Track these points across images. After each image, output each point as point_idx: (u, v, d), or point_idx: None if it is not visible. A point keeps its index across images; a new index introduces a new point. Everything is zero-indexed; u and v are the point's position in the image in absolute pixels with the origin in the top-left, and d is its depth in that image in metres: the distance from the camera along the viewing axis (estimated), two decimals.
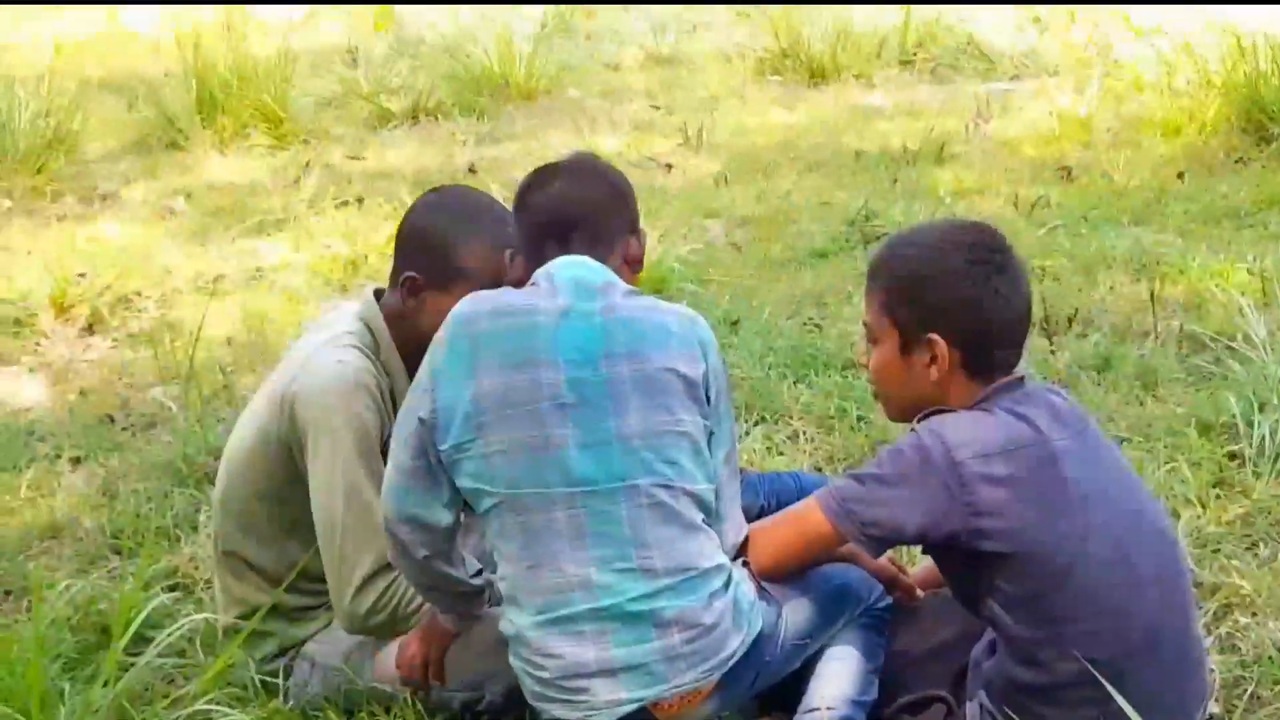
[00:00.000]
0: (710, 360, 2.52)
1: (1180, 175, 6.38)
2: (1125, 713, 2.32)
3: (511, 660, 2.52)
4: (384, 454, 2.73)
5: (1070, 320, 4.69)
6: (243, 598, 2.90)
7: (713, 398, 2.52)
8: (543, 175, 2.68)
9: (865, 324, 2.64)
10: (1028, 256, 5.27)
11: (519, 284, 2.62)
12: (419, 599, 2.75)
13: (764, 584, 2.58)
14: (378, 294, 2.92)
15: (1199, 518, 3.43)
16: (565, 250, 2.56)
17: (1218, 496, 3.54)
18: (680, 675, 2.44)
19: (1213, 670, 2.81)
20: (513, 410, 2.43)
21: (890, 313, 2.56)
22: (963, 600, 2.59)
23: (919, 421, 2.51)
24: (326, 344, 2.81)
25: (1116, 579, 2.39)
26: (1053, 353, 4.43)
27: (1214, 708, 2.74)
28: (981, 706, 2.50)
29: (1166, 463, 3.67)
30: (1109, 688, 2.20)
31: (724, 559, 2.51)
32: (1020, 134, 7.37)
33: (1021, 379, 2.54)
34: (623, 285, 2.55)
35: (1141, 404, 4.11)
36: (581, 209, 2.60)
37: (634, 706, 2.44)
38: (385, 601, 2.75)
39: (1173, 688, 2.43)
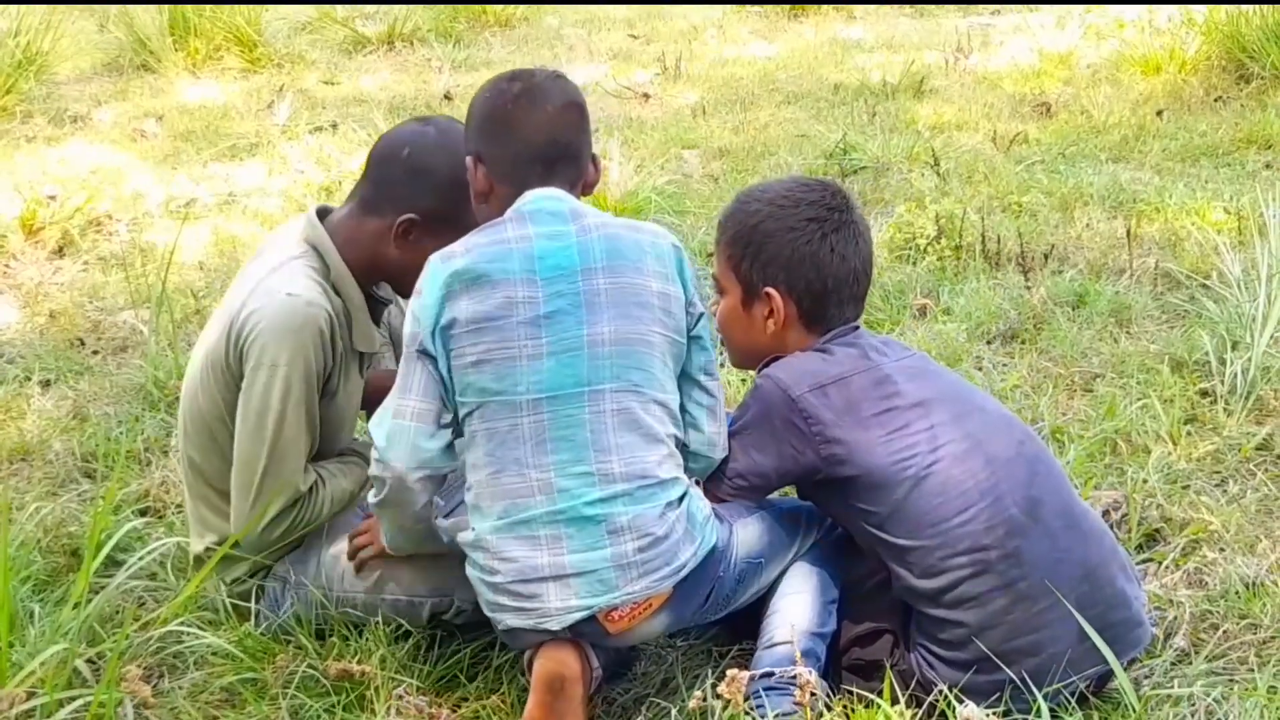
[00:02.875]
0: (685, 276, 2.57)
1: (1159, 113, 6.37)
2: (1033, 591, 2.45)
3: (468, 570, 2.53)
4: (323, 392, 2.76)
5: (1046, 257, 4.69)
6: (212, 523, 2.88)
7: (694, 312, 2.57)
8: (524, 95, 2.61)
9: (713, 276, 2.80)
10: (1005, 193, 5.33)
11: (481, 194, 2.63)
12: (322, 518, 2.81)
13: (714, 506, 2.62)
14: (321, 213, 2.88)
15: (1170, 454, 3.44)
16: (548, 180, 2.57)
17: (1189, 433, 3.56)
18: (631, 584, 2.46)
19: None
20: (487, 324, 2.46)
21: (734, 267, 2.72)
22: (847, 535, 2.69)
23: (759, 371, 2.67)
24: (276, 270, 2.77)
25: (975, 465, 2.51)
26: (1028, 288, 4.43)
27: (1181, 641, 2.77)
28: (921, 649, 2.56)
29: (1139, 399, 3.68)
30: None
31: (680, 473, 2.54)
32: (1000, 69, 7.34)
33: (856, 326, 2.71)
34: (589, 209, 2.57)
35: (1115, 341, 4.11)
36: (567, 140, 2.59)
37: (585, 614, 2.45)
38: (293, 530, 2.80)
39: (1072, 556, 2.52)
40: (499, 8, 8.62)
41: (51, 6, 7.57)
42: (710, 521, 2.55)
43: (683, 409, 2.60)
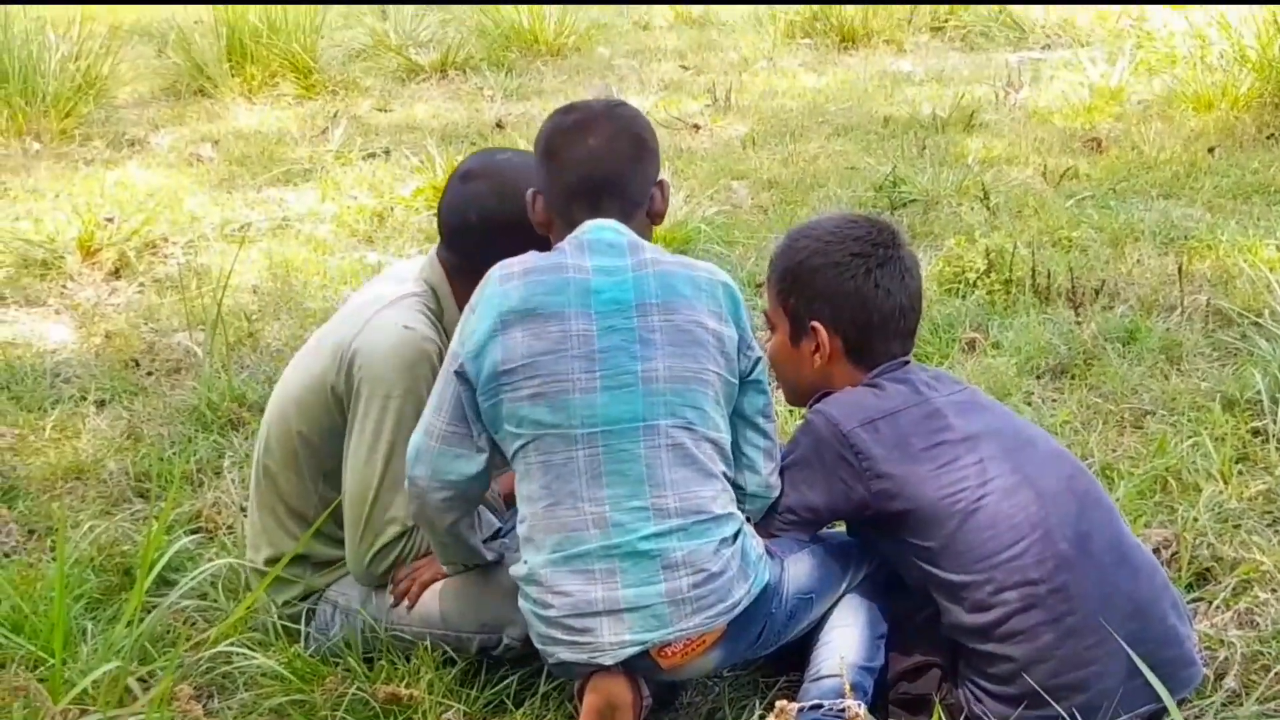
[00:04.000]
0: (740, 318, 2.58)
1: (1211, 150, 6.34)
2: (1082, 626, 2.44)
3: (520, 603, 2.54)
4: None
5: (1097, 292, 4.67)
6: (276, 543, 2.92)
7: (750, 355, 2.59)
8: (574, 127, 2.64)
9: (764, 312, 2.83)
10: (1055, 228, 5.32)
11: (542, 226, 2.66)
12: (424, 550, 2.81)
13: (766, 542, 2.62)
14: (440, 256, 2.92)
15: (1221, 493, 3.41)
16: (595, 212, 2.59)
17: (1240, 472, 3.52)
18: (685, 619, 2.46)
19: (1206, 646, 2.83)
20: (543, 358, 2.47)
21: (782, 302, 2.75)
22: (896, 570, 2.68)
23: (809, 406, 2.69)
24: (393, 303, 2.80)
25: (1024, 500, 2.51)
26: (1078, 324, 4.42)
27: (1232, 682, 2.74)
28: (969, 685, 2.56)
29: (1190, 437, 3.66)
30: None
31: (735, 509, 2.55)
32: (1051, 104, 7.32)
33: (906, 361, 2.72)
34: (649, 244, 2.59)
35: (1166, 378, 4.09)
36: (612, 171, 2.60)
37: (638, 649, 2.46)
38: (399, 561, 2.82)
39: (1122, 591, 2.51)
40: (552, 38, 8.68)
41: (111, 31, 7.71)
42: (764, 559, 2.56)
43: (739, 451, 2.62)
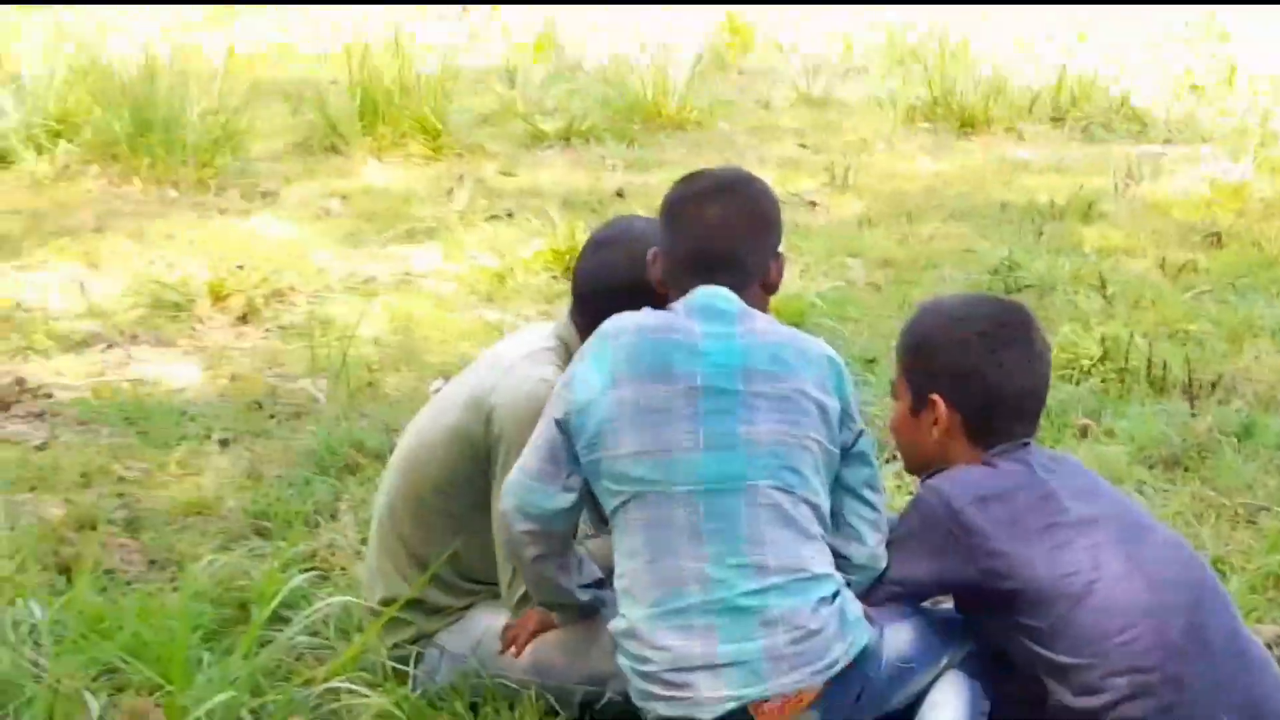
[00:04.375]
0: (844, 391, 2.62)
1: None
2: (1191, 715, 2.43)
3: (619, 658, 2.57)
4: None
5: (1213, 385, 4.64)
6: (392, 585, 2.98)
7: (853, 427, 2.62)
8: (696, 196, 2.70)
9: (891, 381, 2.86)
10: (1172, 320, 5.28)
11: (660, 285, 2.72)
12: None
13: (866, 609, 2.63)
14: (573, 317, 2.98)
15: None
16: (708, 282, 2.64)
17: None
18: (783, 676, 2.47)
19: None
20: (647, 416, 2.53)
21: (906, 372, 2.77)
22: (1002, 650, 2.66)
23: (922, 481, 2.71)
24: (528, 357, 2.88)
25: (1137, 587, 2.49)
26: (1194, 415, 4.39)
27: None
28: None
29: None
30: None
31: (833, 570, 2.57)
32: (1170, 197, 7.28)
33: (1026, 443, 2.70)
34: (759, 314, 2.64)
35: None
36: (727, 246, 2.65)
37: (736, 704, 2.47)
38: None
39: (1236, 684, 2.47)
40: (674, 112, 8.81)
41: (251, 88, 7.97)
42: (862, 622, 2.57)
43: (845, 522, 2.65)
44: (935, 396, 2.71)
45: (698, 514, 2.50)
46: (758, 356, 2.56)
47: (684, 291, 2.65)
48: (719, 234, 2.65)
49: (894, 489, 3.99)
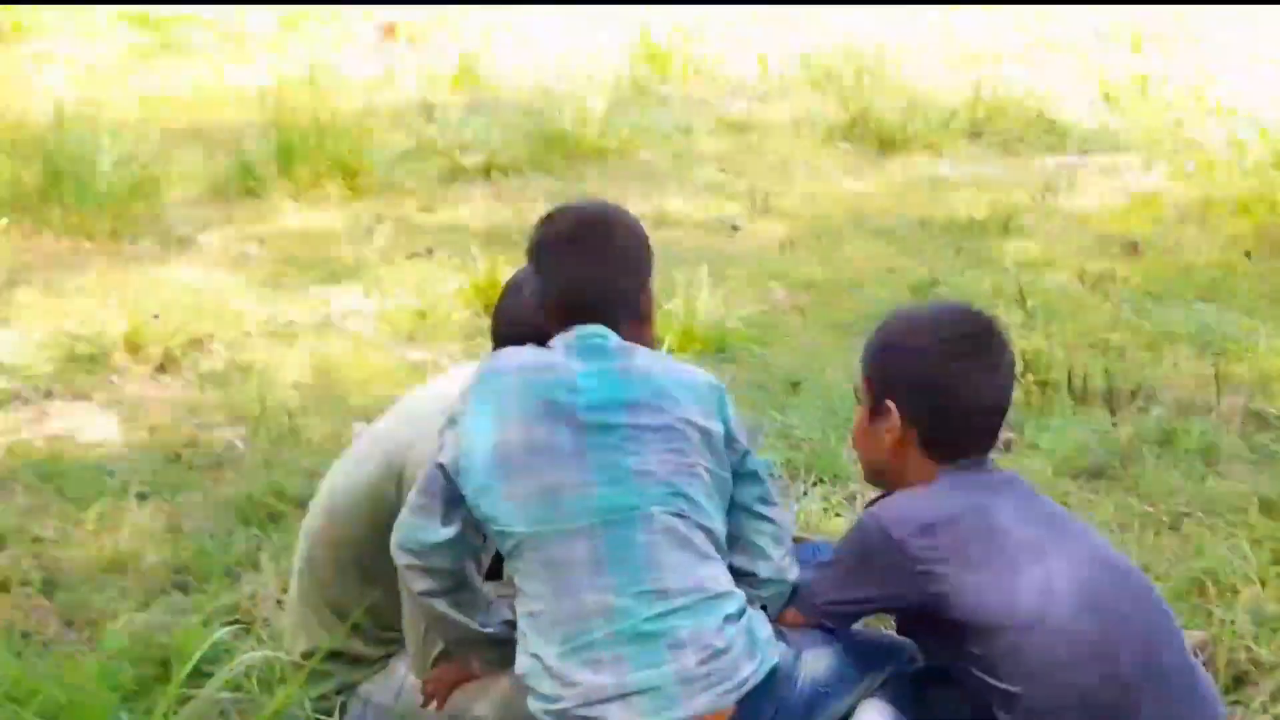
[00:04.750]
0: (725, 415, 2.63)
1: (1248, 254, 6.35)
2: None
3: (530, 703, 2.54)
4: None
5: (1133, 394, 4.68)
6: (313, 635, 2.95)
7: (738, 448, 2.64)
8: (556, 241, 2.69)
9: (855, 385, 2.82)
10: (1092, 330, 5.32)
11: (540, 326, 2.71)
12: None
13: (784, 630, 2.64)
14: None
15: (1259, 596, 3.39)
16: (581, 321, 2.64)
17: (1278, 576, 3.50)
18: (694, 698, 2.45)
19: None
20: (534, 457, 2.53)
21: (866, 379, 2.73)
22: (947, 673, 2.63)
23: (866, 508, 2.68)
24: (445, 414, 2.84)
25: (1090, 619, 2.44)
26: (1115, 425, 4.42)
27: None
28: None
29: (1227, 539, 3.65)
30: None
31: (735, 589, 2.56)
32: (1088, 208, 7.36)
33: (982, 461, 2.65)
34: (636, 348, 2.65)
35: (1203, 480, 4.08)
36: (593, 289, 2.65)
37: None
38: None
39: (1183, 717, 2.45)
40: (594, 141, 8.81)
41: (165, 135, 7.88)
42: (771, 641, 2.56)
43: (748, 540, 2.66)
44: (890, 403, 2.67)
45: (598, 547, 2.50)
46: (638, 390, 2.57)
47: (562, 329, 2.66)
48: (582, 279, 2.66)
49: (821, 510, 4.00)
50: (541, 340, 2.71)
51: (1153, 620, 2.53)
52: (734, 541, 2.65)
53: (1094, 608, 2.46)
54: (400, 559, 2.62)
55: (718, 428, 2.61)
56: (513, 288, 2.97)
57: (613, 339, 2.63)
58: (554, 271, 2.68)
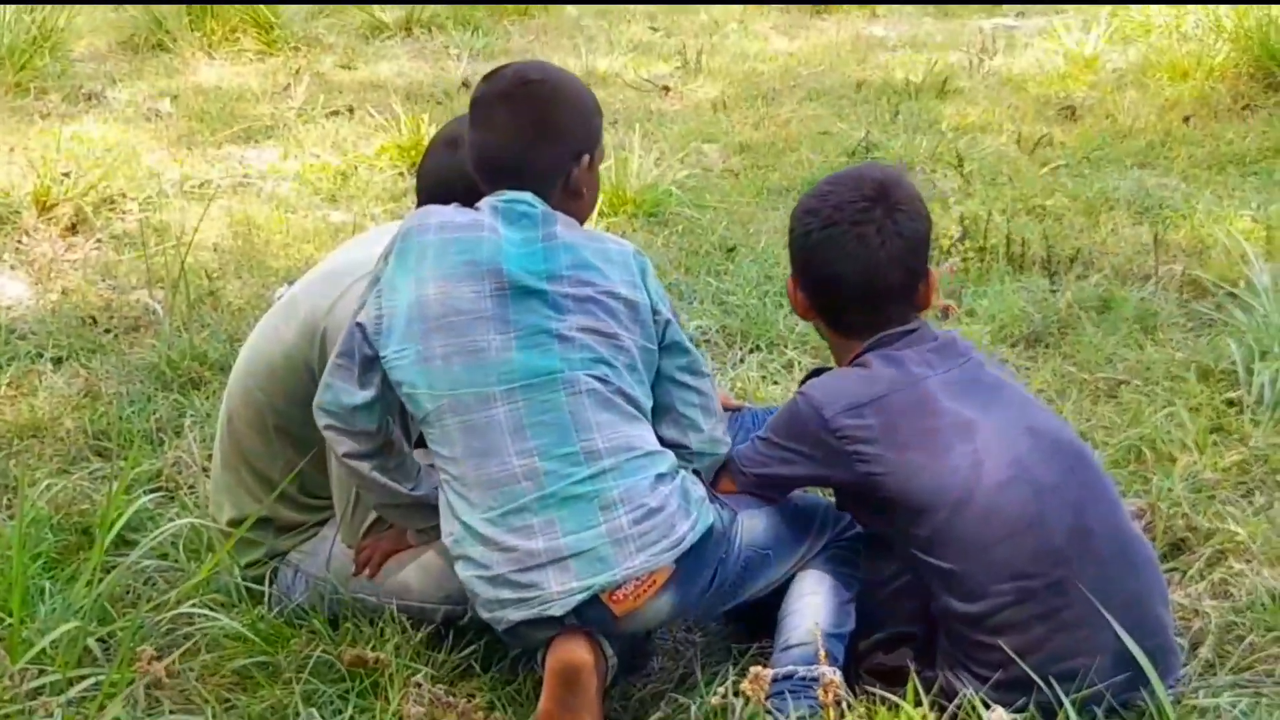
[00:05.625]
0: (650, 285, 2.57)
1: (1186, 119, 6.31)
2: (1075, 619, 2.39)
3: (460, 571, 2.49)
4: None
5: (1071, 260, 4.64)
6: (238, 503, 2.86)
7: (660, 319, 2.57)
8: (488, 99, 2.60)
9: None
10: (1030, 196, 5.28)
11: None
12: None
13: (719, 495, 2.60)
14: None
15: (1195, 463, 3.38)
16: (504, 185, 2.57)
17: (1215, 443, 3.50)
18: (630, 558, 2.42)
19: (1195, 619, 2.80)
20: (455, 318, 2.47)
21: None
22: (885, 548, 2.62)
23: (800, 384, 2.64)
24: (366, 277, 2.72)
25: (1022, 492, 2.42)
26: (1053, 292, 4.39)
27: (1206, 653, 2.72)
28: (952, 665, 2.50)
29: (1164, 407, 3.63)
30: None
31: (665, 450, 2.53)
32: (1025, 71, 7.29)
33: (913, 330, 2.57)
34: (562, 217, 2.56)
35: (1141, 347, 4.06)
36: (513, 151, 2.57)
37: (586, 594, 2.41)
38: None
39: (1117, 585, 2.44)
40: None
41: None
42: (705, 502, 2.53)
43: (677, 412, 2.60)
44: (791, 278, 2.66)
45: (519, 410, 2.45)
46: (561, 260, 2.51)
47: (491, 190, 2.58)
48: (504, 140, 2.57)
49: (760, 378, 3.94)
50: (469, 201, 2.62)
51: (1086, 486, 2.50)
52: (663, 414, 2.60)
53: (1024, 479, 2.44)
54: (321, 420, 2.56)
55: (643, 299, 2.55)
56: (438, 144, 2.85)
57: (540, 206, 2.55)
58: (486, 129, 2.59)
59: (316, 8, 8.58)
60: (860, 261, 2.54)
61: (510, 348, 2.46)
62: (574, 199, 2.63)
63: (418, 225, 2.55)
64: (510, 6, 8.58)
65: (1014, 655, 2.39)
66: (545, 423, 2.45)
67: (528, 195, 2.55)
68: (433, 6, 8.29)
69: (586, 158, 2.62)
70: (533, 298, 2.48)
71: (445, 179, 2.76)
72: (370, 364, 2.52)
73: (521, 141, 2.56)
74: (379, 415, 2.55)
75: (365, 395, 2.52)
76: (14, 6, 6.92)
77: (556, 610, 2.42)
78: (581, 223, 2.64)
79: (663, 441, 2.56)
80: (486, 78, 2.65)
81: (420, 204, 2.81)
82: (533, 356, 2.46)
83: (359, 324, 2.52)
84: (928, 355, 2.54)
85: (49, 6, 7.14)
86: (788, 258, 2.71)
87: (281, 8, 7.86)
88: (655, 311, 2.56)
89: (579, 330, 2.47)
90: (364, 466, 2.57)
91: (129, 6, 7.89)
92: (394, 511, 2.69)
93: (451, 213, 2.56)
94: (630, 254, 2.58)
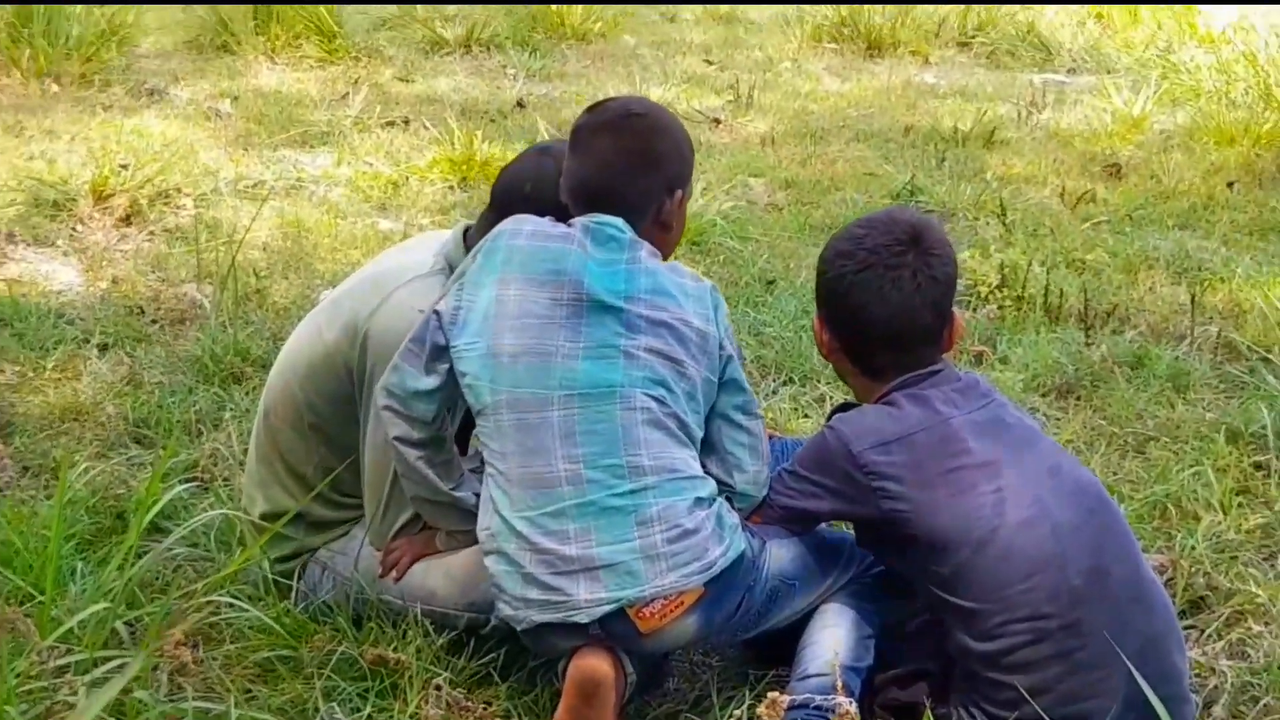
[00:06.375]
0: (721, 322, 2.63)
1: (1230, 184, 6.32)
2: (1089, 661, 2.41)
3: (492, 565, 2.53)
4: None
5: (1108, 315, 4.66)
6: (272, 497, 2.91)
7: (724, 355, 2.62)
8: (590, 127, 2.68)
9: None
10: (1070, 249, 5.30)
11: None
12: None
13: (748, 524, 2.63)
14: (467, 230, 2.90)
15: (1219, 523, 3.40)
16: (596, 211, 2.63)
17: (1240, 504, 3.51)
18: (661, 576, 2.46)
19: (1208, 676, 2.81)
20: (530, 320, 2.53)
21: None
22: (906, 587, 2.64)
23: (827, 420, 2.67)
24: (410, 286, 2.79)
25: (1041, 532, 2.44)
26: (1088, 345, 4.41)
27: (1220, 711, 2.74)
28: (966, 704, 2.52)
29: (1192, 465, 3.65)
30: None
31: (707, 477, 2.57)
32: (1072, 127, 7.31)
33: (936, 371, 2.61)
34: (647, 245, 2.63)
35: (1172, 406, 4.08)
36: (609, 180, 2.64)
37: (613, 606, 2.45)
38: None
39: (1133, 628, 2.45)
40: (578, 23, 8.67)
41: None
42: (738, 529, 2.57)
43: (725, 450, 2.64)
44: (817, 317, 2.70)
45: (573, 416, 2.50)
46: (640, 283, 2.57)
47: (582, 214, 2.65)
48: (603, 168, 2.64)
49: (791, 410, 3.98)
50: (533, 209, 2.69)
51: (1106, 529, 2.52)
52: (710, 450, 2.64)
53: (1045, 519, 2.46)
54: (381, 399, 2.61)
55: (713, 330, 2.60)
56: (531, 150, 2.92)
57: (628, 233, 2.62)
58: (585, 156, 2.66)
59: (380, 19, 8.69)
60: (894, 304, 2.57)
61: (577, 356, 2.52)
62: (663, 231, 2.70)
63: (511, 229, 2.62)
64: (569, 31, 8.67)
65: (1026, 695, 2.41)
66: (596, 432, 2.50)
67: (618, 220, 2.62)
68: (492, 26, 8.37)
69: (679, 193, 2.70)
70: (607, 314, 2.54)
71: (520, 179, 2.82)
72: (440, 353, 2.57)
73: (620, 171, 2.64)
74: (438, 405, 2.60)
75: (430, 382, 2.58)
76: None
77: (582, 618, 2.45)
78: (666, 256, 2.71)
79: None
80: (590, 109, 2.74)
81: (492, 199, 2.87)
82: (597, 368, 2.51)
83: (436, 312, 2.58)
84: (952, 395, 2.58)
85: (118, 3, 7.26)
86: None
87: (345, 19, 7.96)
88: (720, 345, 2.61)
89: (646, 351, 2.53)
90: (411, 454, 2.62)
91: (197, 7, 8.00)
92: (428, 507, 2.73)
93: (546, 223, 2.64)
94: (707, 290, 2.65)
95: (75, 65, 6.88)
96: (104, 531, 3.17)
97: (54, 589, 2.64)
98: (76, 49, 6.93)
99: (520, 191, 2.80)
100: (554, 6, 8.69)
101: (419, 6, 8.56)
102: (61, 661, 2.50)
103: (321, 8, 7.75)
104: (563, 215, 2.68)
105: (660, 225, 2.69)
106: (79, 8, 6.95)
